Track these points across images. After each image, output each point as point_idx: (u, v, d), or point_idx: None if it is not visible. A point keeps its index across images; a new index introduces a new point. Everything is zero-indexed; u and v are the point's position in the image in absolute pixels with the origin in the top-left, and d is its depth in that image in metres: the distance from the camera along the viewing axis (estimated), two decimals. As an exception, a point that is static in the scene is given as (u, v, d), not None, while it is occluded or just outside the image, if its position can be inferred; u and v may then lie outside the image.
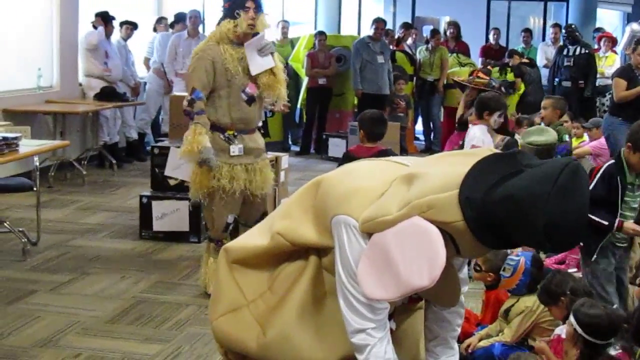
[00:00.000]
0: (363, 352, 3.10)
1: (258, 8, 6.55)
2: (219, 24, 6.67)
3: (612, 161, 6.16)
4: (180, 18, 14.08)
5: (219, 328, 3.49)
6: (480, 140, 7.43)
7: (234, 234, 6.75)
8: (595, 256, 5.89)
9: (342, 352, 3.24)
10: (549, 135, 7.53)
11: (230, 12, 6.58)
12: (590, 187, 5.87)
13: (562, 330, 4.94)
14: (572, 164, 2.85)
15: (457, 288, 3.37)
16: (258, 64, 6.58)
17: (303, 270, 3.32)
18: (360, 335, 3.09)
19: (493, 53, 17.18)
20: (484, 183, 2.84)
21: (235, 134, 6.71)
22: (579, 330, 4.36)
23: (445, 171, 2.95)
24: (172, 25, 13.99)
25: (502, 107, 7.85)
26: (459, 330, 3.56)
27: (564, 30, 15.90)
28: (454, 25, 17.14)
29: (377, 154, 6.29)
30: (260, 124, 7.07)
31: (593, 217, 6.16)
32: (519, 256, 5.82)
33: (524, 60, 15.09)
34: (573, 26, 15.65)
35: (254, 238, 3.52)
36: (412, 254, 2.88)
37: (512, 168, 2.87)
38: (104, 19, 12.56)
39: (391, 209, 2.98)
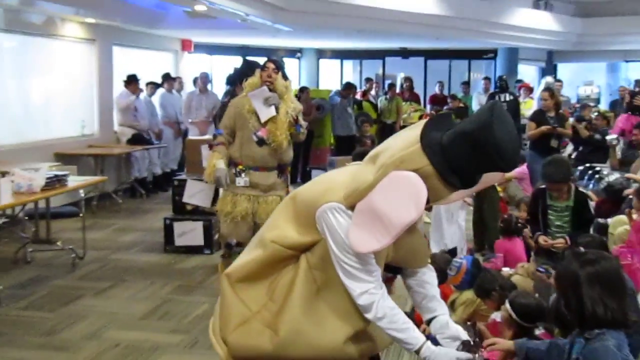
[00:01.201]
0: (371, 309, 2.96)
1: (277, 68, 6.56)
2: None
3: (542, 185, 6.28)
4: (165, 78, 13.96)
5: (234, 341, 3.15)
6: None
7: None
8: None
9: (345, 333, 3.07)
10: None
11: (252, 70, 6.68)
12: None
13: (496, 316, 4.96)
14: (497, 102, 2.94)
15: (424, 246, 3.35)
16: (264, 113, 6.45)
17: (295, 277, 3.09)
18: (365, 296, 2.95)
19: (439, 100, 17.33)
20: (438, 132, 2.82)
21: (244, 169, 6.55)
22: (514, 316, 4.38)
23: (403, 138, 2.91)
24: (162, 84, 13.84)
25: None
26: (437, 288, 3.40)
27: (497, 81, 16.01)
28: (409, 80, 17.28)
29: None
30: (274, 164, 6.66)
31: (528, 226, 6.25)
32: (462, 259, 5.85)
33: (461, 105, 15.22)
34: (504, 77, 15.78)
35: (249, 255, 3.25)
36: (397, 198, 2.77)
37: (453, 120, 2.94)
38: (134, 80, 12.62)
39: (368, 178, 2.87)
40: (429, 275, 3.31)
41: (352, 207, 2.91)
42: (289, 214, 3.14)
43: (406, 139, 2.87)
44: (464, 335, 3.20)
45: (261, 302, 3.14)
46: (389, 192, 2.80)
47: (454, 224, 7.91)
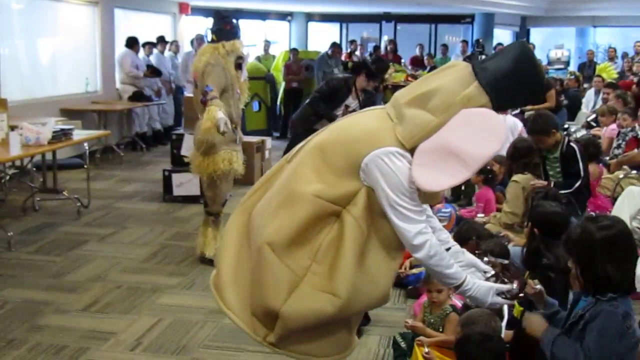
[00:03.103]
0: (423, 248, 2.82)
1: None
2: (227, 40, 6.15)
3: None
4: (159, 40, 13.78)
5: (289, 311, 2.85)
6: None
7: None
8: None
9: (391, 279, 2.99)
10: None
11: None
12: None
13: None
14: (525, 42, 2.98)
15: None
16: (244, 73, 6.36)
17: (342, 234, 2.84)
18: (419, 236, 2.80)
19: (419, 62, 17.26)
20: (486, 71, 2.77)
21: (235, 126, 6.26)
22: (504, 261, 4.42)
23: (451, 79, 2.80)
24: (154, 45, 13.61)
25: None
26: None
27: (474, 44, 15.96)
28: (392, 42, 17.19)
29: None
30: None
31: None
32: (448, 209, 5.86)
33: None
34: (481, 41, 15.75)
35: (284, 216, 2.89)
36: (474, 133, 2.68)
37: (488, 58, 2.91)
38: (134, 41, 12.59)
39: (429, 119, 2.74)
40: (429, 210, 3.21)
41: (411, 150, 2.77)
42: (318, 166, 2.90)
43: (456, 79, 2.79)
44: (480, 264, 3.16)
45: (304, 266, 2.88)
46: (465, 128, 2.70)
47: None
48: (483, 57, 14.29)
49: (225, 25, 6.26)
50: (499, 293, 2.97)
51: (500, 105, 2.78)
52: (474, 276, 3.03)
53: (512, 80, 2.75)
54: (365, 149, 2.79)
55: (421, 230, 2.83)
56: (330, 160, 2.88)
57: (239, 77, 6.29)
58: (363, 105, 7.82)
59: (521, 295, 3.06)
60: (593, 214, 2.91)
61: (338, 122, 3.12)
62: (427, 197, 2.93)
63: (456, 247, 3.20)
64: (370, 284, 2.90)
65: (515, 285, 3.01)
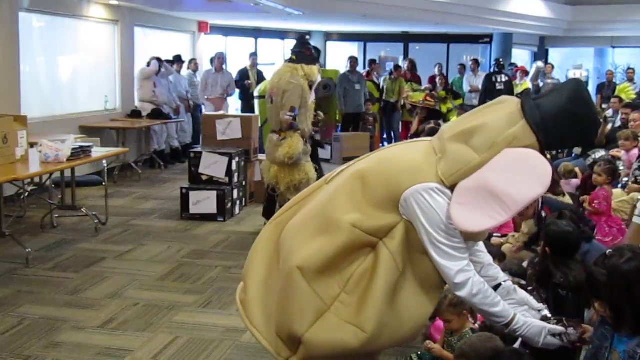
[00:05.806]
0: (466, 286, 2.74)
1: None
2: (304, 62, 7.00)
3: None
4: (176, 59, 13.72)
5: (313, 337, 2.77)
6: None
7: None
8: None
9: (422, 320, 2.91)
10: None
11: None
12: None
13: None
14: (580, 80, 2.86)
15: None
16: (313, 96, 7.22)
17: (376, 267, 2.77)
18: (461, 274, 2.72)
19: (435, 82, 17.21)
20: (537, 109, 2.67)
21: (306, 140, 7.16)
22: (522, 281, 4.40)
23: (497, 116, 2.71)
24: (172, 64, 13.57)
25: None
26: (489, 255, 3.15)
27: (494, 63, 15.84)
28: (411, 62, 17.16)
29: None
30: None
31: None
32: None
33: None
34: (501, 60, 15.68)
35: (319, 243, 2.82)
36: (517, 175, 2.57)
37: (541, 95, 2.81)
38: (157, 59, 12.66)
39: (471, 156, 2.66)
40: (480, 244, 3.09)
41: (451, 187, 2.70)
42: (357, 195, 2.82)
43: (504, 116, 2.71)
44: (534, 302, 3.05)
45: (333, 294, 2.81)
46: (507, 169, 2.61)
47: None
48: (502, 77, 14.30)
49: (306, 51, 7.04)
50: (553, 334, 2.87)
51: (549, 145, 2.70)
52: (527, 314, 2.93)
53: (564, 121, 2.66)
54: (406, 183, 2.73)
55: (463, 267, 2.76)
56: (370, 190, 2.81)
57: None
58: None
59: (579, 343, 2.91)
60: (608, 251, 2.69)
61: (383, 151, 3.04)
62: (472, 235, 2.83)
63: (508, 283, 3.08)
64: (398, 323, 2.83)
65: (572, 330, 2.88)
